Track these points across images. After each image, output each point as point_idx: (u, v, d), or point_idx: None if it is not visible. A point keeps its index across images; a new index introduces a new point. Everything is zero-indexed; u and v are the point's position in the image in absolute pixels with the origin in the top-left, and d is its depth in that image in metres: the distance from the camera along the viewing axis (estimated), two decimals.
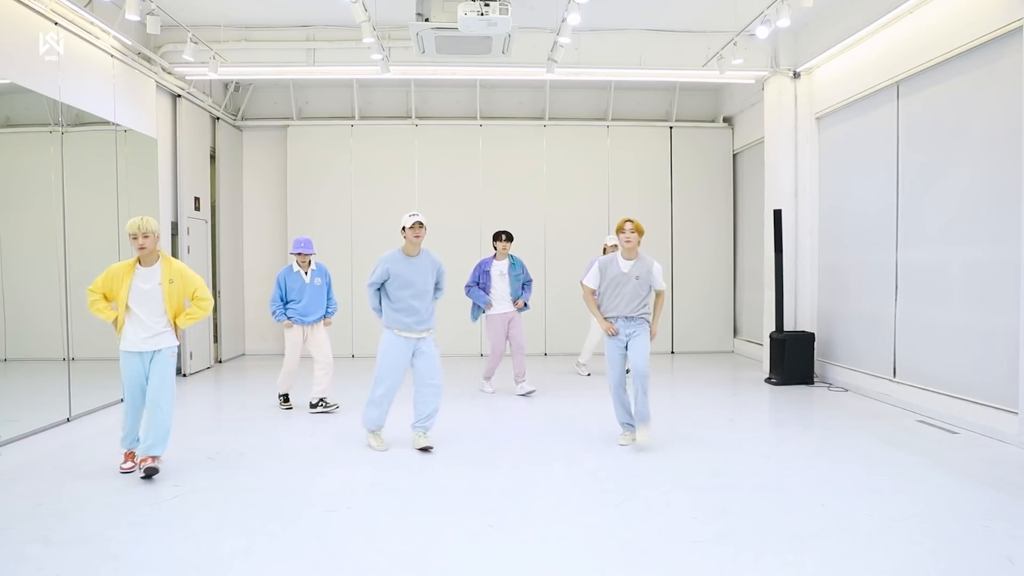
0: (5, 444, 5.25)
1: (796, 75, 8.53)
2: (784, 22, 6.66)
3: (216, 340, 9.79)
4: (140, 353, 4.50)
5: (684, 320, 10.91)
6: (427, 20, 6.27)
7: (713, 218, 10.97)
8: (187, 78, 8.74)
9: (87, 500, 4.06)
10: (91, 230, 6.64)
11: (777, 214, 8.23)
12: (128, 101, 7.41)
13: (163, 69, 8.24)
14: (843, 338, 7.93)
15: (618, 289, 5.18)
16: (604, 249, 8.01)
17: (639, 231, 5.17)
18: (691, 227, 10.93)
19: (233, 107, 10.50)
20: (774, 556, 3.28)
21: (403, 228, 5.13)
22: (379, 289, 5.17)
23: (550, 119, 10.75)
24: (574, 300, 9.77)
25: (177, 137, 8.73)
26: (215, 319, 9.72)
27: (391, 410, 5.31)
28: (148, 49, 7.84)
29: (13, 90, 5.80)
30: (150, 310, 4.50)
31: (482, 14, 5.75)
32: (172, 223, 8.59)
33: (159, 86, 8.19)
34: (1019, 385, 5.21)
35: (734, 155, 10.97)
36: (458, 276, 8.90)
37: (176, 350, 4.68)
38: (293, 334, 6.50)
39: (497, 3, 5.75)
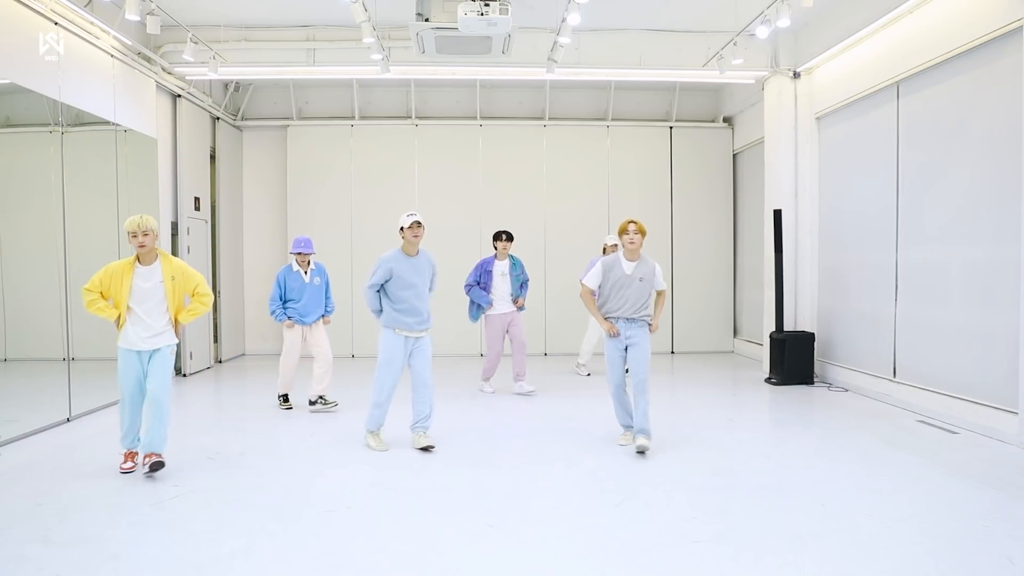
0: (5, 444, 5.25)
1: (796, 75, 8.53)
2: (784, 22, 6.66)
3: (216, 340, 9.79)
4: (139, 352, 4.51)
5: (684, 320, 10.91)
6: (427, 20, 6.27)
7: (713, 218, 10.97)
8: (187, 78, 8.74)
9: (87, 500, 4.06)
10: (91, 230, 6.64)
11: (777, 214, 8.23)
12: (128, 101, 7.41)
13: (163, 69, 8.24)
14: (843, 338, 7.92)
15: (622, 291, 5.16)
16: (604, 249, 8.01)
17: (642, 232, 5.15)
18: (691, 227, 10.93)
19: (233, 107, 10.50)
20: (774, 556, 3.28)
21: (401, 228, 5.13)
22: (379, 290, 5.17)
23: (550, 119, 10.76)
24: (574, 300, 9.76)
25: (177, 137, 8.73)
26: (215, 319, 9.72)
27: (389, 410, 5.32)
28: (148, 49, 7.84)
29: (13, 90, 5.80)
30: (151, 308, 4.51)
31: (482, 14, 5.75)
32: (172, 223, 8.59)
33: (159, 86, 8.19)
34: (1019, 385, 5.21)
35: (734, 155, 10.97)
36: (458, 276, 8.91)
37: (175, 348, 4.69)
38: (292, 334, 6.51)
39: (497, 3, 5.75)
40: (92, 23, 6.62)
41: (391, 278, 5.07)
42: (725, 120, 11.02)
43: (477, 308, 7.41)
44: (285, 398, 6.72)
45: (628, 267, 5.17)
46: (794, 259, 8.57)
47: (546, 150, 10.77)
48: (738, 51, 7.70)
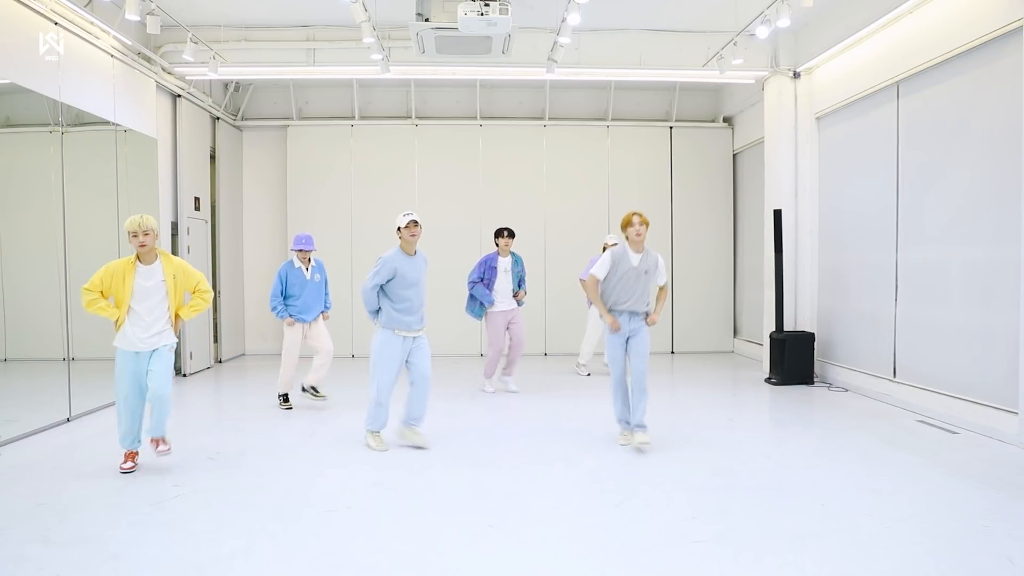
0: (5, 444, 5.25)
1: (796, 75, 8.53)
2: (784, 22, 6.66)
3: (216, 340, 9.79)
4: (137, 353, 4.51)
5: (684, 320, 10.91)
6: (427, 20, 6.27)
7: (713, 218, 10.97)
8: (187, 78, 8.74)
9: (87, 500, 4.06)
10: (91, 230, 6.64)
11: (777, 214, 8.23)
12: (128, 101, 7.41)
13: (163, 69, 8.24)
14: (843, 338, 7.93)
15: (628, 284, 5.15)
16: (604, 248, 8.01)
17: (647, 224, 5.17)
18: (691, 227, 10.93)
19: (233, 107, 10.50)
20: (774, 556, 3.28)
21: (399, 228, 5.13)
22: (379, 291, 5.16)
23: (550, 119, 10.76)
24: (574, 300, 9.78)
25: (177, 137, 8.73)
26: (215, 319, 9.72)
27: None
28: (148, 49, 7.84)
29: (13, 90, 5.80)
30: (153, 307, 4.52)
31: (482, 14, 5.75)
32: (172, 223, 8.59)
33: (159, 86, 8.19)
34: (1019, 385, 5.21)
35: (734, 155, 10.97)
36: (458, 276, 8.91)
37: (174, 347, 4.69)
38: (293, 332, 6.52)
39: (497, 3, 5.75)
40: (92, 23, 6.62)
41: (394, 277, 5.07)
42: (725, 120, 11.02)
43: (480, 306, 7.41)
44: (285, 398, 6.73)
45: (635, 259, 5.17)
46: (794, 259, 8.57)
47: (546, 150, 10.77)
48: (738, 51, 7.70)
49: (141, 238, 4.44)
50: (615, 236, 8.10)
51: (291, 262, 6.56)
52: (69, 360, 6.17)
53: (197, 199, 9.14)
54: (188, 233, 8.82)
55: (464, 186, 10.67)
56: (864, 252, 7.46)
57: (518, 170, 10.72)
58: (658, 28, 8.60)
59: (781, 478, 4.49)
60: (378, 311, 5.16)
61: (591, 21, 7.92)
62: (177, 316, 4.67)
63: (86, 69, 6.65)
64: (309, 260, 6.59)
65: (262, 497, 4.13)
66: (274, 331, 10.72)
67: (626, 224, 5.18)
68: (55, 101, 6.11)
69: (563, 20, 6.80)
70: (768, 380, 8.15)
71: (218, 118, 9.92)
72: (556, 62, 7.72)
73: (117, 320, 4.49)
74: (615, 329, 5.15)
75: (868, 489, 4.25)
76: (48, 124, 6.11)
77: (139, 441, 4.68)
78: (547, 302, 10.63)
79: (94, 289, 4.47)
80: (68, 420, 6.08)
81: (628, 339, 5.21)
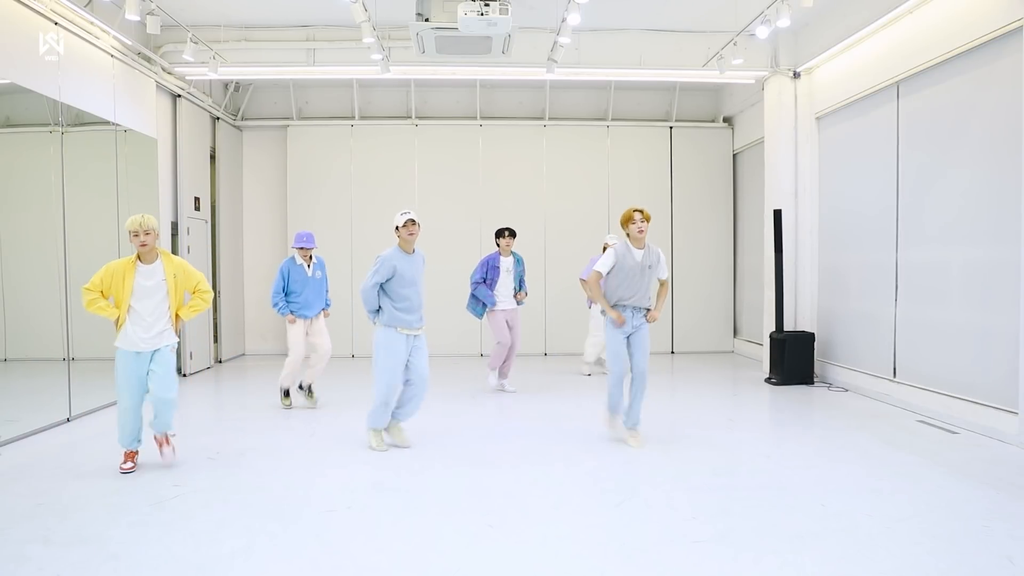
0: (5, 444, 5.25)
1: (796, 75, 8.53)
2: (784, 22, 6.67)
3: (216, 340, 9.79)
4: (138, 353, 4.52)
5: (684, 320, 10.91)
6: (427, 20, 6.27)
7: (713, 218, 10.97)
8: (187, 78, 8.74)
9: (87, 500, 4.06)
10: (91, 230, 6.64)
11: (777, 214, 8.23)
12: (128, 101, 7.41)
13: (163, 69, 8.24)
14: (843, 338, 7.92)
15: (632, 280, 5.15)
16: (604, 248, 8.00)
17: (648, 219, 5.16)
18: (691, 227, 10.93)
19: (233, 107, 10.50)
20: (774, 556, 3.28)
21: (396, 227, 5.12)
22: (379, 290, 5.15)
23: (550, 119, 10.76)
24: (574, 300, 9.78)
25: (177, 137, 8.73)
26: (215, 319, 9.72)
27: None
28: (148, 49, 7.84)
29: (13, 90, 5.80)
30: (153, 307, 4.52)
31: (482, 14, 5.75)
32: (172, 223, 8.59)
33: (159, 86, 8.19)
34: (1019, 385, 5.21)
35: (734, 155, 10.97)
36: (458, 276, 8.92)
37: (175, 346, 4.70)
38: (296, 329, 6.51)
39: (497, 3, 5.75)
40: (92, 23, 6.62)
41: (394, 276, 5.06)
42: (725, 120, 11.02)
43: (482, 306, 7.42)
44: (286, 393, 6.68)
45: (638, 255, 5.17)
46: (794, 259, 8.57)
47: (546, 150, 10.77)
48: (738, 51, 7.70)
49: (142, 237, 4.45)
50: (615, 236, 8.09)
51: (292, 259, 6.56)
52: (69, 360, 6.17)
53: (197, 199, 9.14)
54: (188, 233, 8.82)
55: (464, 186, 10.67)
56: (864, 252, 7.46)
57: (518, 170, 10.71)
58: (658, 28, 8.60)
59: (781, 478, 4.49)
60: (378, 311, 5.15)
61: (591, 21, 7.92)
62: (177, 316, 4.67)
63: (86, 69, 6.65)
64: (310, 258, 6.60)
65: (262, 497, 4.13)
66: (274, 331, 10.73)
67: (627, 220, 5.15)
68: (55, 101, 6.11)
69: (563, 20, 6.80)
70: (768, 380, 8.15)
71: (218, 118, 9.92)
72: (556, 62, 7.72)
73: (117, 320, 4.49)
74: (621, 324, 5.15)
75: (868, 489, 4.25)
76: (48, 124, 6.11)
77: (139, 441, 4.68)
78: (547, 302, 10.63)
79: (94, 289, 4.48)
80: (68, 420, 6.08)
81: (629, 336, 5.21)
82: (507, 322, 7.44)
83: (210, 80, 9.10)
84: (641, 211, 5.14)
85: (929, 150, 6.42)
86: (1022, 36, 5.26)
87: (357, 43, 7.69)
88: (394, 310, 5.08)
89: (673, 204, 10.90)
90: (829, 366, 8.12)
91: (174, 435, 4.81)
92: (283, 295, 6.49)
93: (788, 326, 8.44)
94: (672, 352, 10.86)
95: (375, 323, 5.18)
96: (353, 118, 10.62)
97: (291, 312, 6.49)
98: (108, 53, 7.01)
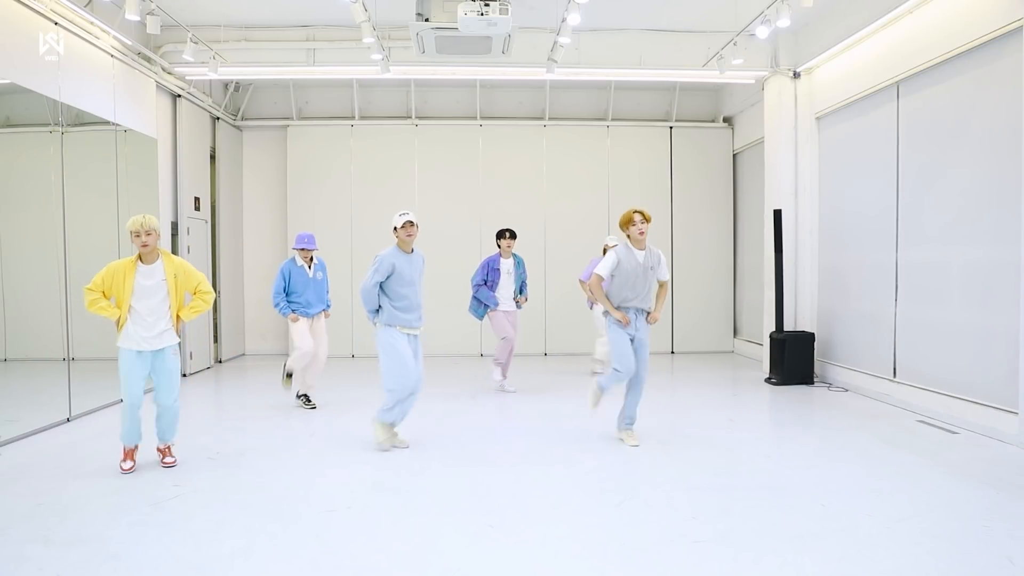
0: (5, 444, 5.25)
1: (796, 75, 8.53)
2: (784, 22, 6.66)
3: (216, 340, 9.79)
4: (140, 352, 4.52)
5: (684, 320, 10.91)
6: (427, 20, 6.26)
7: (713, 218, 10.97)
8: (187, 78, 8.74)
9: (87, 500, 4.06)
10: (91, 230, 6.64)
11: (777, 214, 8.23)
12: (128, 101, 7.40)
13: (163, 69, 8.24)
14: (843, 338, 7.92)
15: (635, 281, 5.15)
16: (604, 250, 7.99)
17: (648, 220, 5.15)
18: (691, 227, 10.93)
19: (233, 107, 10.50)
20: (774, 556, 3.28)
21: (395, 228, 5.12)
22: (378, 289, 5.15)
23: (550, 119, 10.76)
24: (574, 301, 9.78)
25: (177, 137, 8.73)
26: (215, 319, 9.72)
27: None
28: (148, 49, 7.84)
29: (13, 90, 5.80)
30: (154, 307, 4.53)
31: (482, 14, 5.75)
32: (172, 223, 8.59)
33: (159, 86, 8.19)
34: (1019, 385, 5.21)
35: (734, 155, 10.97)
36: (459, 278, 8.92)
37: (177, 348, 4.71)
38: (300, 325, 6.49)
39: (497, 3, 5.75)
40: (92, 23, 6.62)
41: (392, 275, 5.06)
42: (725, 120, 11.02)
43: (483, 307, 7.41)
44: (290, 375, 6.57)
45: (639, 256, 5.17)
46: (794, 259, 8.57)
47: (546, 150, 10.77)
48: (738, 51, 7.70)
49: (144, 238, 4.47)
50: (615, 237, 8.08)
51: (293, 260, 6.56)
52: (69, 360, 6.17)
53: (197, 199, 9.14)
54: (188, 233, 8.82)
55: (464, 186, 10.67)
56: (864, 252, 7.46)
57: (518, 170, 10.71)
58: (658, 28, 8.60)
59: (781, 478, 4.49)
60: (377, 311, 5.14)
61: (591, 21, 7.92)
62: (178, 317, 4.68)
63: (86, 69, 6.65)
64: (311, 259, 6.60)
65: (262, 497, 4.13)
66: (274, 331, 10.73)
67: (627, 222, 5.13)
68: (55, 101, 6.11)
69: (563, 20, 6.80)
70: (768, 380, 8.15)
71: (218, 118, 9.92)
72: (556, 62, 7.72)
73: (118, 320, 4.50)
74: (626, 324, 5.15)
75: (868, 489, 4.25)
76: (48, 124, 6.11)
77: (140, 436, 4.67)
78: (547, 302, 10.63)
79: (96, 289, 4.49)
80: (68, 420, 6.08)
81: (631, 337, 5.21)
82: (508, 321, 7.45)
83: (210, 80, 9.10)
84: (641, 212, 5.13)
85: (929, 150, 6.42)
86: (1022, 36, 5.26)
87: (357, 43, 7.69)
88: (393, 309, 5.07)
89: (673, 204, 10.90)
90: (829, 366, 8.12)
91: (174, 445, 4.83)
92: (284, 296, 6.49)
93: (788, 326, 8.44)
94: (672, 352, 10.86)
95: (375, 324, 5.17)
96: (353, 118, 10.62)
97: (292, 311, 6.48)
98: (108, 53, 7.01)
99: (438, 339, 9.91)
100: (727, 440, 5.50)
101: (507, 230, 7.51)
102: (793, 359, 7.90)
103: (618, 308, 5.20)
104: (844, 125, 7.91)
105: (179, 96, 8.71)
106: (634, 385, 5.23)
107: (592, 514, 3.89)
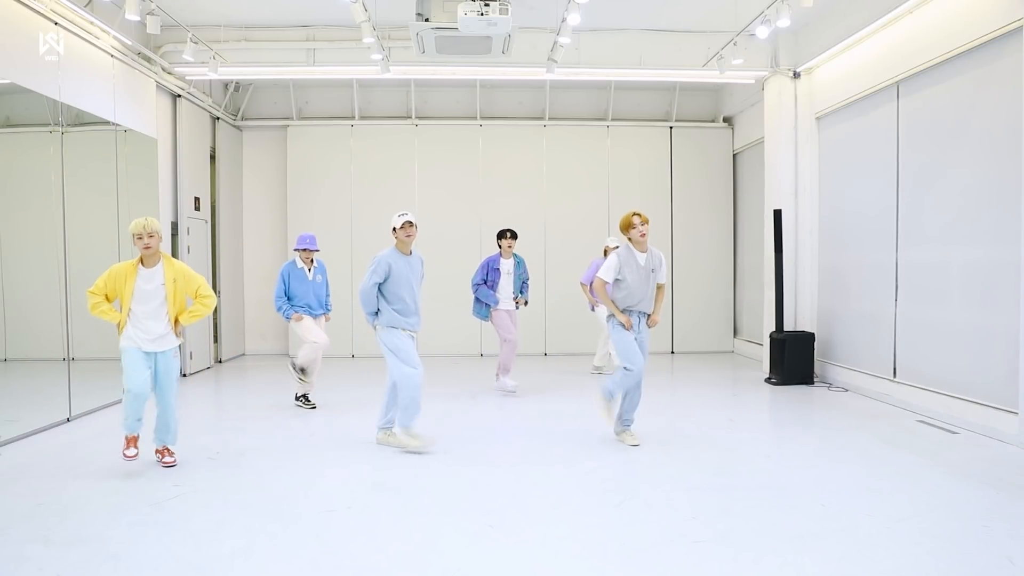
0: (5, 444, 5.25)
1: (796, 75, 8.53)
2: (784, 22, 6.66)
3: (216, 340, 9.79)
4: (142, 352, 4.53)
5: (684, 320, 10.91)
6: (427, 20, 6.27)
7: (713, 218, 10.97)
8: (187, 78, 8.74)
9: (87, 500, 4.06)
10: (91, 230, 6.64)
11: (777, 214, 8.23)
12: (128, 101, 7.40)
13: (163, 69, 8.24)
14: (843, 338, 7.92)
15: (638, 284, 5.15)
16: (605, 251, 7.99)
17: (647, 222, 5.15)
18: (691, 227, 10.93)
19: (233, 107, 10.50)
20: (774, 556, 3.28)
21: (394, 228, 5.12)
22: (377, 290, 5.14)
23: (550, 119, 10.76)
24: (574, 301, 9.78)
25: (177, 137, 8.73)
26: (215, 319, 9.72)
27: (379, 410, 5.36)
28: (148, 49, 7.84)
29: (13, 90, 5.80)
30: (153, 310, 4.53)
31: (482, 14, 5.75)
32: (172, 223, 8.59)
33: (159, 86, 8.19)
34: (1019, 385, 5.21)
35: (734, 155, 10.97)
36: (459, 278, 8.91)
37: (178, 350, 4.71)
38: (305, 322, 6.47)
39: (497, 3, 5.75)
40: (92, 23, 6.62)
41: (390, 276, 5.05)
42: (725, 120, 11.02)
43: (485, 307, 7.41)
44: (303, 369, 6.54)
45: (641, 258, 5.17)
46: (794, 259, 8.57)
47: (546, 150, 10.77)
48: (738, 51, 7.70)
49: (146, 240, 4.48)
50: (616, 239, 8.08)
51: (293, 262, 6.56)
52: (69, 360, 6.17)
53: (197, 199, 9.14)
54: (188, 233, 8.82)
55: (464, 186, 10.67)
56: (864, 252, 7.46)
57: (518, 170, 10.71)
58: (658, 28, 8.60)
59: (781, 478, 4.49)
60: (376, 313, 5.13)
61: (591, 21, 7.92)
62: (177, 321, 4.66)
63: (86, 69, 6.65)
64: (311, 260, 6.60)
65: (262, 497, 4.13)
66: (274, 331, 10.73)
67: (627, 226, 5.13)
68: (55, 101, 6.10)
69: (563, 20, 6.79)
70: (768, 380, 8.15)
71: (218, 118, 9.92)
72: (556, 62, 7.72)
73: (119, 324, 4.51)
74: (629, 327, 5.14)
75: (868, 489, 4.25)
76: (48, 124, 6.11)
77: (141, 422, 4.61)
78: (547, 302, 10.63)
79: (99, 292, 4.50)
80: (68, 420, 6.08)
81: (635, 339, 5.23)
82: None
83: (210, 80, 9.10)
84: (639, 214, 5.13)
85: (929, 150, 6.42)
86: (1022, 36, 5.26)
87: (357, 43, 7.69)
88: (393, 312, 5.07)
89: (673, 204, 10.90)
90: (829, 366, 8.12)
91: (173, 457, 4.81)
92: (285, 298, 6.49)
93: (788, 326, 8.43)
94: (672, 352, 10.85)
95: (374, 327, 5.16)
96: (353, 118, 10.62)
97: (295, 311, 6.47)
98: (108, 53, 7.01)
99: (438, 339, 9.92)
100: (727, 440, 5.50)
101: (508, 230, 7.50)
102: (793, 359, 7.90)
103: (623, 312, 5.20)
104: (844, 125, 7.91)
105: (179, 96, 8.71)
106: (632, 389, 5.23)
107: (592, 514, 3.89)
